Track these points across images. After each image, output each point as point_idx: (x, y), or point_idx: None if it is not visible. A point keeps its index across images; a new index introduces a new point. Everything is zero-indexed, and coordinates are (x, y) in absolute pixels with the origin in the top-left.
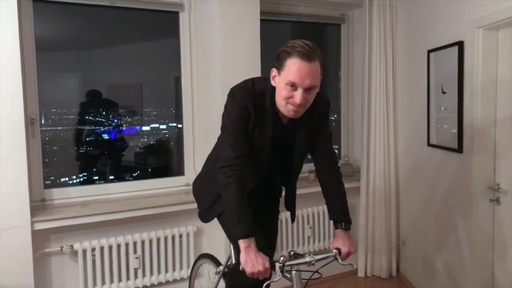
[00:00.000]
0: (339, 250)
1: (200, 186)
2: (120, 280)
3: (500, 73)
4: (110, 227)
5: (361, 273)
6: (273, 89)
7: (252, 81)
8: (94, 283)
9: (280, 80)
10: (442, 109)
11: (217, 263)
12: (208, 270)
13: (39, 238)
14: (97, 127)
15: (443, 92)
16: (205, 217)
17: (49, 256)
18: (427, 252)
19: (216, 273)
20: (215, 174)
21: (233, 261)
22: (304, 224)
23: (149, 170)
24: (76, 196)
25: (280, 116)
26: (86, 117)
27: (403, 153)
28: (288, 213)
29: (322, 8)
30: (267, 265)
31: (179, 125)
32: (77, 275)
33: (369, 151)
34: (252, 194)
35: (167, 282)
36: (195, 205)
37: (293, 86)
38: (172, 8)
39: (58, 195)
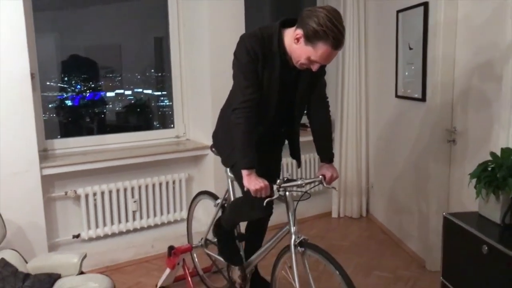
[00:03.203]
0: (324, 176)
1: (218, 138)
2: (119, 221)
3: (458, 30)
4: (109, 174)
5: (334, 214)
6: (280, 33)
7: (259, 28)
8: (96, 225)
9: (303, 48)
10: (408, 63)
11: (215, 197)
12: (205, 206)
13: (46, 184)
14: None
15: (410, 48)
16: (224, 163)
17: (54, 200)
18: (392, 194)
19: (215, 206)
20: (228, 126)
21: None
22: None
23: (139, 125)
24: (76, 146)
25: (287, 58)
26: (67, 78)
27: (373, 104)
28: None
29: None
30: (267, 182)
31: (159, 92)
32: (80, 217)
33: (343, 103)
34: (261, 142)
35: (162, 224)
36: (186, 154)
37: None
38: None
39: (59, 145)
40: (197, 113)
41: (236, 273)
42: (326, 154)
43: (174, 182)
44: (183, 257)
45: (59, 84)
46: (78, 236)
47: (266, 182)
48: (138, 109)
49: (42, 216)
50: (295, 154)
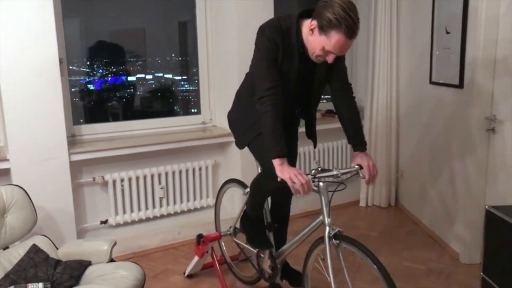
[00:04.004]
0: (360, 166)
1: (233, 119)
2: (147, 208)
3: (501, 12)
4: (136, 160)
5: (362, 203)
6: (298, 25)
7: (277, 18)
8: (124, 211)
9: (317, 39)
10: (445, 48)
11: (244, 186)
12: (232, 194)
13: (74, 170)
14: (106, 75)
15: (447, 32)
16: (238, 144)
17: (82, 186)
18: (423, 183)
19: (244, 194)
20: (244, 107)
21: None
22: (310, 160)
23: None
24: (103, 132)
25: (305, 50)
26: (92, 63)
27: (405, 91)
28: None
29: None
30: (306, 176)
31: (180, 77)
32: (108, 203)
33: (373, 90)
34: None
35: (189, 210)
36: (213, 141)
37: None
38: None
39: (87, 131)
40: (224, 99)
41: (266, 263)
42: (357, 141)
43: (200, 169)
44: (211, 245)
45: (81, 69)
46: (105, 222)
47: (306, 177)
48: (161, 94)
49: (71, 202)
50: (311, 135)
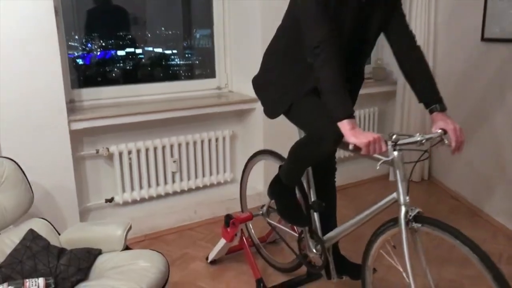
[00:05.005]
0: (443, 130)
1: (263, 84)
2: (158, 184)
3: None
4: (145, 129)
5: (392, 177)
6: None
7: None
8: (132, 187)
9: None
10: None
11: (280, 158)
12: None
13: (74, 140)
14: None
15: None
16: (272, 112)
17: (84, 159)
18: (466, 154)
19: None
20: (280, 67)
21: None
22: None
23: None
24: (107, 98)
25: None
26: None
27: (444, 50)
28: None
29: None
30: (378, 134)
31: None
32: (114, 179)
33: None
34: None
35: (205, 186)
36: (230, 108)
37: None
38: None
39: (88, 96)
40: (243, 61)
41: (311, 248)
42: (433, 98)
43: (217, 140)
44: (241, 227)
45: (69, 43)
46: (111, 200)
47: (377, 134)
48: (164, 62)
49: (72, 178)
50: (353, 96)
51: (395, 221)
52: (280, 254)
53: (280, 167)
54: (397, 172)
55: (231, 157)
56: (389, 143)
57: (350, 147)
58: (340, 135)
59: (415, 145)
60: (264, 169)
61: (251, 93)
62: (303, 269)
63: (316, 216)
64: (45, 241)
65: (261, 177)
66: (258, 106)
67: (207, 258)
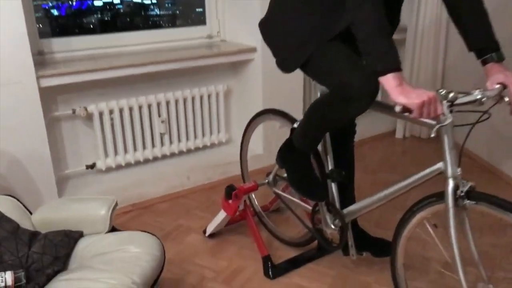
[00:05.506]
0: (503, 84)
1: (276, 27)
2: (144, 147)
3: None
4: (128, 85)
5: (399, 134)
6: None
7: None
8: (116, 151)
9: None
10: None
11: (290, 119)
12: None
13: (46, 99)
14: None
15: None
16: (288, 65)
17: (59, 120)
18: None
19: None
20: (300, 7)
21: None
22: None
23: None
24: (82, 49)
25: None
26: None
27: None
28: None
29: None
30: (432, 92)
31: None
32: (95, 143)
33: (419, 6)
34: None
35: (197, 149)
36: (224, 59)
37: None
38: None
39: (60, 47)
40: (239, 3)
41: (328, 223)
42: (490, 44)
43: (209, 96)
44: (245, 198)
45: None
46: (93, 166)
47: (432, 92)
48: (145, 11)
49: (46, 142)
50: None
51: (438, 196)
52: (285, 224)
53: (292, 130)
54: (445, 137)
55: (225, 115)
56: (444, 103)
57: (397, 108)
58: (376, 92)
59: (473, 105)
60: (263, 129)
61: (247, 42)
62: (313, 242)
63: (334, 187)
64: (14, 224)
65: (260, 139)
66: (256, 57)
67: (204, 231)
